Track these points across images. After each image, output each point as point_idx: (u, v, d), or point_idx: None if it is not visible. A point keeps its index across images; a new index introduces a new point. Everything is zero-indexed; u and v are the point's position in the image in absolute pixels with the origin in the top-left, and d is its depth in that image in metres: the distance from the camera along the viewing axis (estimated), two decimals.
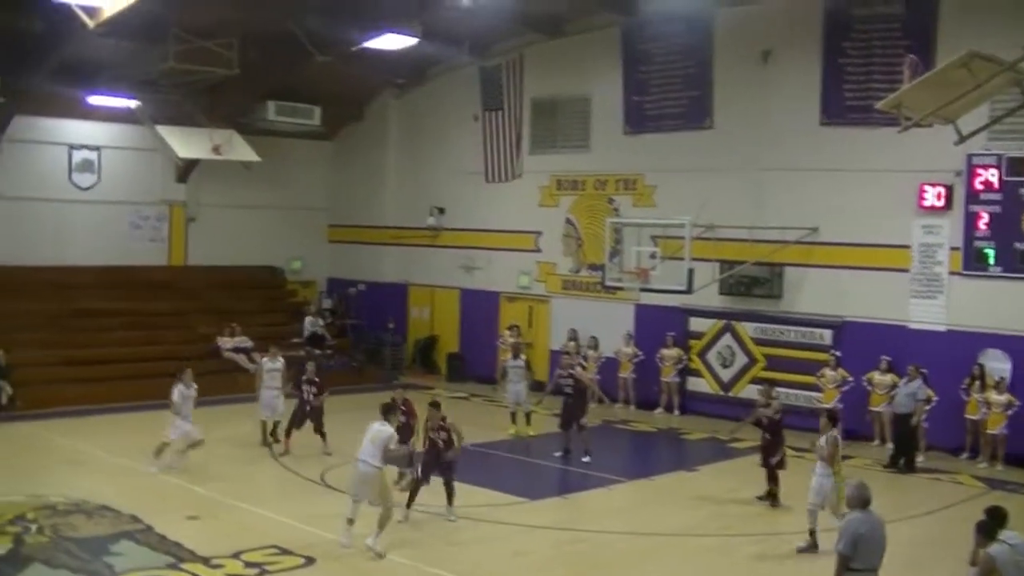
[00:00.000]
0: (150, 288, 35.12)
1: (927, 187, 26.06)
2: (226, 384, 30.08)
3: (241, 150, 33.87)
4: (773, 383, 23.18)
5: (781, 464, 20.30)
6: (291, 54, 31.93)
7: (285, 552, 16.52)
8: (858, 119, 26.72)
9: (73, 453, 23.79)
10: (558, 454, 24.48)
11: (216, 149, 32.99)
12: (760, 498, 20.46)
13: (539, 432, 26.83)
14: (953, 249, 26.01)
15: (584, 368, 26.26)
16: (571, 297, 33.73)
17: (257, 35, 30.77)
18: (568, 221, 33.91)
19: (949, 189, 25.86)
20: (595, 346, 31.48)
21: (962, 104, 18.13)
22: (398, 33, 30.01)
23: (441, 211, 37.27)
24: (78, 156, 34.74)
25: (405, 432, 20.13)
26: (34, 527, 17.43)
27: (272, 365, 24.90)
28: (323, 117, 36.70)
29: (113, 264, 34.96)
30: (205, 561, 15.91)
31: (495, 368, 33.95)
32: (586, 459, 23.90)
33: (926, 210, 26.21)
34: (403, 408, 20.60)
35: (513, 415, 27.36)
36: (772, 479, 20.34)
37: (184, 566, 15.70)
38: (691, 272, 27.13)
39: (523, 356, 27.84)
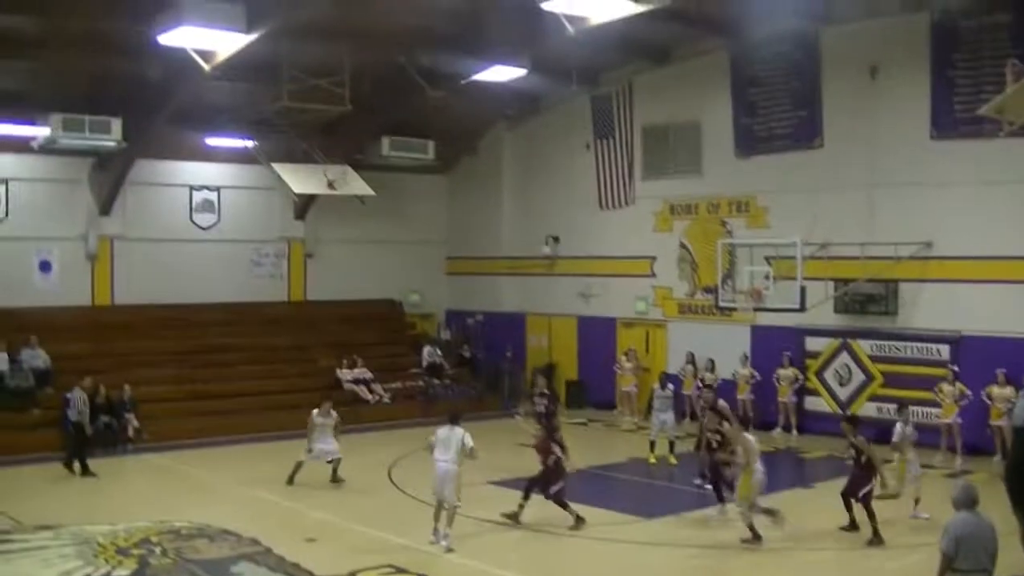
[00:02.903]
0: (271, 323, 35.80)
1: None
2: (347, 415, 30.48)
3: (356, 185, 34.35)
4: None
5: (869, 497, 19.15)
6: (403, 89, 32.42)
7: (401, 571, 16.74)
8: (969, 131, 26.39)
9: (197, 482, 24.43)
10: (697, 482, 23.26)
11: (331, 184, 33.45)
12: (843, 528, 19.52)
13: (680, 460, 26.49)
14: None
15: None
16: (687, 321, 33.75)
17: (369, 72, 31.32)
18: (682, 245, 33.97)
19: None
20: (712, 368, 31.47)
21: None
22: (507, 65, 30.38)
23: (556, 240, 37.51)
24: (198, 196, 35.62)
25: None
26: (158, 550, 17.90)
27: (323, 420, 24.30)
28: (437, 151, 37.14)
29: (234, 301, 35.74)
30: None
31: (613, 394, 34.17)
32: (697, 481, 23.15)
33: None
34: None
35: (652, 443, 26.99)
36: (869, 515, 19.05)
37: None
38: (803, 290, 26.99)
39: (671, 385, 27.65)
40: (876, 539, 18.72)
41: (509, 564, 17.36)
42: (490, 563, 17.43)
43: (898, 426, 20.41)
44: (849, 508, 19.40)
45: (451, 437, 18.63)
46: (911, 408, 22.18)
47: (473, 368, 38.23)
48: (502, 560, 17.56)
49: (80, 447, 25.32)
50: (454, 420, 19.01)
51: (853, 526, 19.37)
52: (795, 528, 19.62)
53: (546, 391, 26.09)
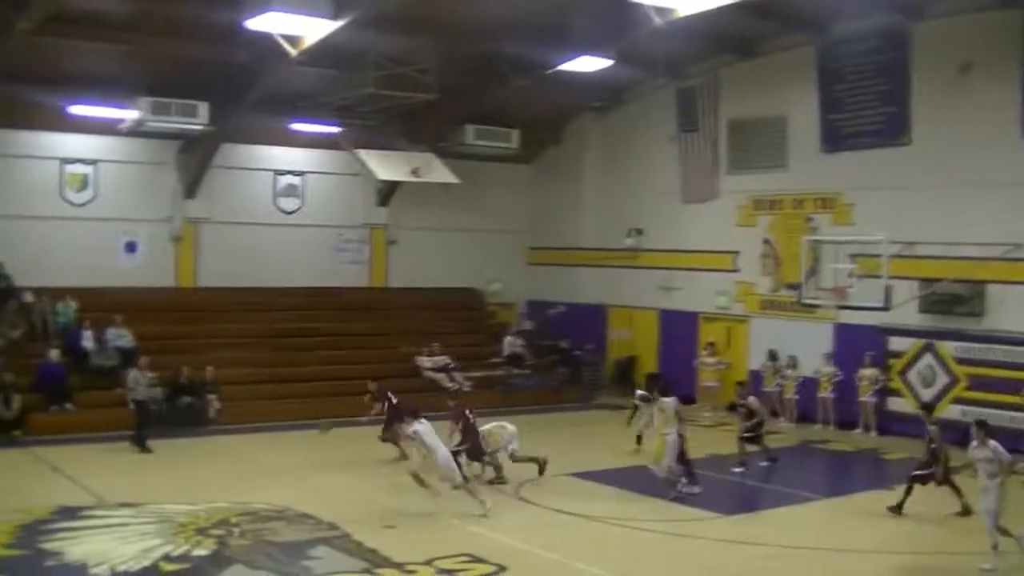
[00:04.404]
0: (352, 309, 36.04)
1: None
2: (426, 403, 30.55)
3: (440, 173, 34.41)
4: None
5: (933, 479, 20.39)
6: (488, 78, 32.45)
7: (477, 560, 16.75)
8: None
9: (276, 464, 24.60)
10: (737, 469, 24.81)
11: (415, 172, 33.55)
12: (958, 513, 20.07)
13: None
14: None
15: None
16: (770, 317, 33.49)
17: (455, 60, 31.34)
18: (766, 241, 33.70)
19: None
20: (794, 365, 31.26)
21: None
22: (593, 56, 30.29)
23: (639, 232, 37.38)
24: (282, 181, 35.94)
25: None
26: (237, 531, 18.10)
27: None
28: (521, 140, 37.18)
29: (316, 286, 35.99)
30: (399, 567, 16.23)
31: (695, 388, 33.91)
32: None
33: None
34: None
35: (639, 436, 26.91)
36: (907, 490, 20.41)
37: (378, 571, 16.07)
38: (889, 289, 26.71)
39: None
40: (896, 510, 20.36)
41: (584, 556, 17.28)
42: (566, 555, 17.38)
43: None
44: (959, 493, 20.12)
45: (430, 429, 20.37)
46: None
47: (565, 361, 37.75)
48: (577, 553, 17.49)
49: (139, 426, 26.04)
50: (416, 415, 20.65)
51: (966, 511, 19.86)
52: (867, 531, 19.47)
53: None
